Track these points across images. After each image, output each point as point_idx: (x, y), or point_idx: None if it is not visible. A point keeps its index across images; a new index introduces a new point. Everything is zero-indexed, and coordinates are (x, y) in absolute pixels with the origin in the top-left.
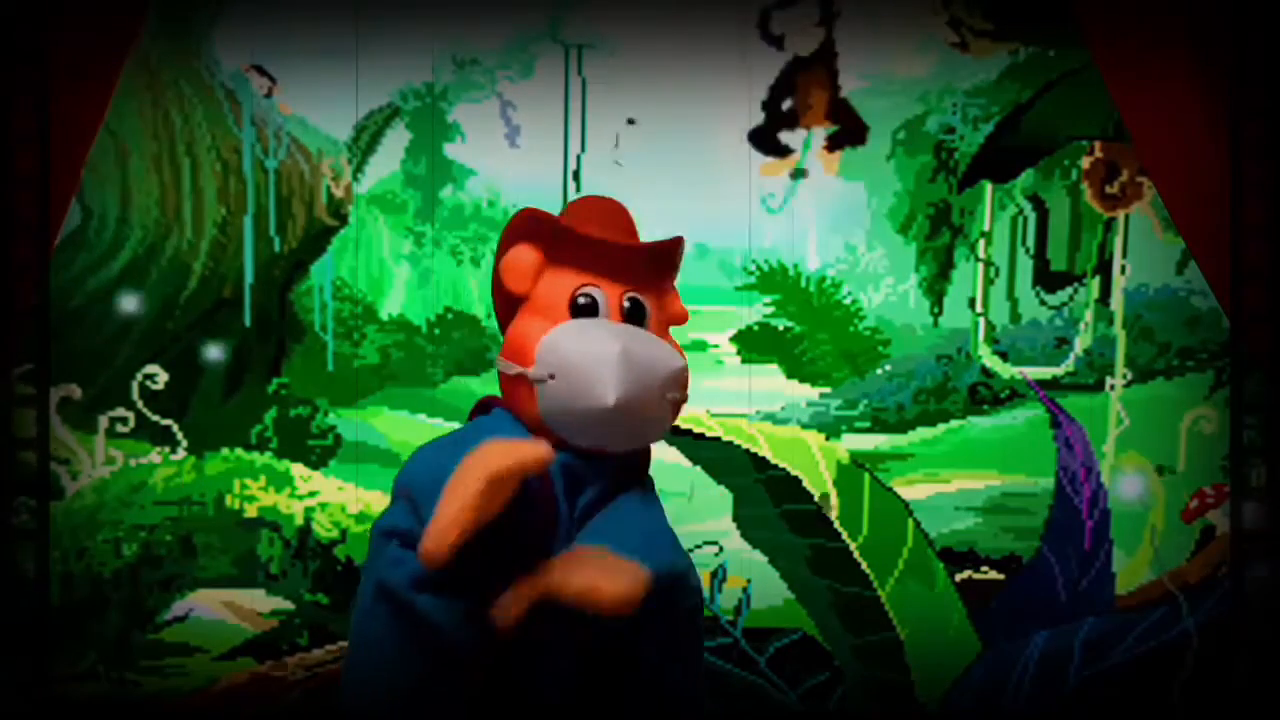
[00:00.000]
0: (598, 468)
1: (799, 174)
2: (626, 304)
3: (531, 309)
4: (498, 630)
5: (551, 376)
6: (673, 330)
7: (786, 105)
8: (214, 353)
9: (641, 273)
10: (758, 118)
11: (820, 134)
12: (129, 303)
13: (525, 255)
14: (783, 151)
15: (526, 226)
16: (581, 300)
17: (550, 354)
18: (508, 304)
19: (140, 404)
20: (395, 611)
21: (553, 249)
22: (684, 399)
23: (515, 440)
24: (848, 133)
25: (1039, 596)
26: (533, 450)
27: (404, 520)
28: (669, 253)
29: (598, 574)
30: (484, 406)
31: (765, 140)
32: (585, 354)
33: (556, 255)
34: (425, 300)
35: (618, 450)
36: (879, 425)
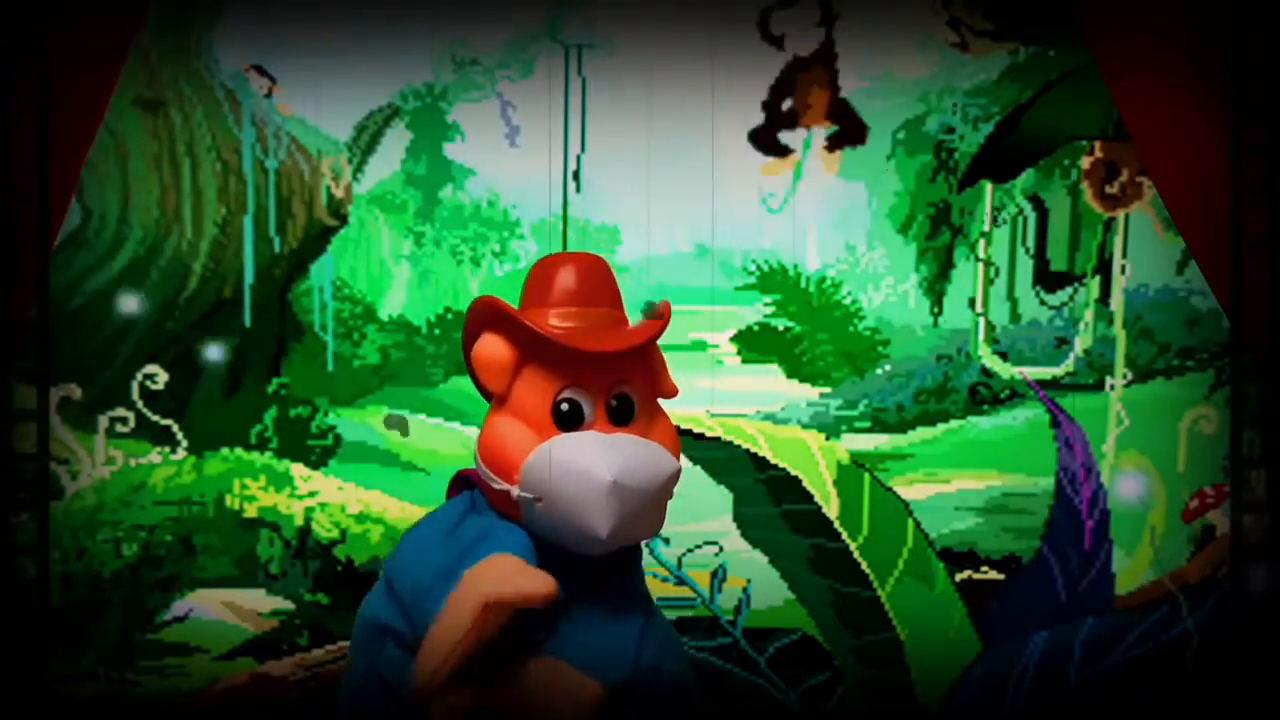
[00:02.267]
0: (584, 560)
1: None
2: (613, 403)
3: (511, 411)
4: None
5: (539, 500)
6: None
7: (787, 105)
8: (214, 353)
9: (625, 360)
10: (757, 118)
11: (820, 134)
12: (128, 303)
13: (498, 351)
14: (783, 151)
15: (494, 318)
16: (564, 407)
17: (536, 479)
18: (483, 390)
19: (140, 404)
20: (391, 698)
21: (523, 344)
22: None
23: (514, 564)
24: (848, 133)
25: (1039, 596)
26: (533, 586)
27: (398, 622)
28: (653, 339)
29: (547, 706)
30: (463, 482)
31: (765, 140)
32: (574, 483)
33: (531, 351)
34: (425, 300)
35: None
36: (879, 425)
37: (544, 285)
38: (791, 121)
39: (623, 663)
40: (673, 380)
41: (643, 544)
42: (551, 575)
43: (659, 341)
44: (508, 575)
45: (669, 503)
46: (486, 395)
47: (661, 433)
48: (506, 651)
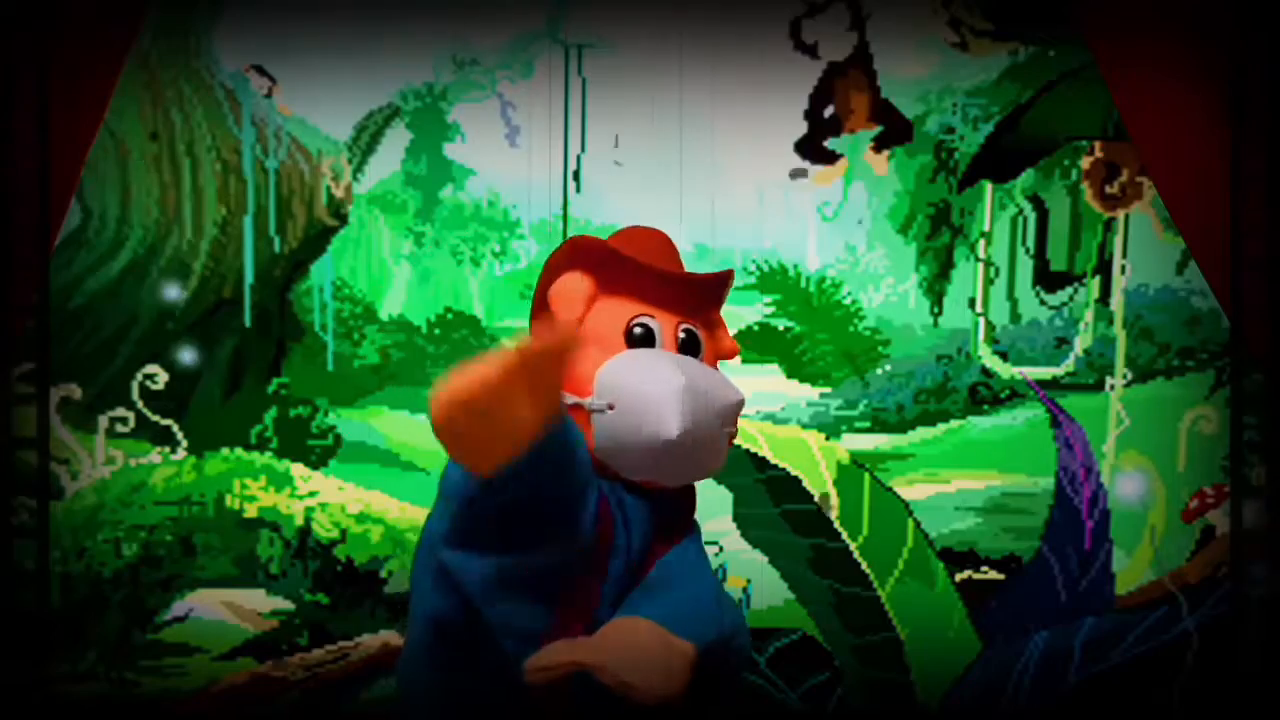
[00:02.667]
0: (649, 504)
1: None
2: (682, 335)
3: (584, 337)
4: (529, 681)
5: (611, 407)
6: None
7: (828, 112)
8: (188, 357)
9: (692, 305)
10: (758, 117)
11: (866, 136)
12: (170, 291)
13: (577, 282)
14: (831, 158)
15: (576, 253)
16: (638, 330)
17: (610, 383)
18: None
19: (140, 404)
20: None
21: (604, 277)
22: (735, 433)
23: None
24: (893, 132)
25: (1039, 596)
26: (560, 336)
27: (448, 517)
28: (720, 285)
29: (642, 665)
30: None
31: (812, 149)
32: (648, 385)
33: (608, 284)
34: (425, 300)
35: (672, 485)
36: (879, 425)
37: (620, 241)
38: (835, 128)
39: (708, 624)
40: (733, 341)
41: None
42: (622, 527)
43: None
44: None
45: (730, 446)
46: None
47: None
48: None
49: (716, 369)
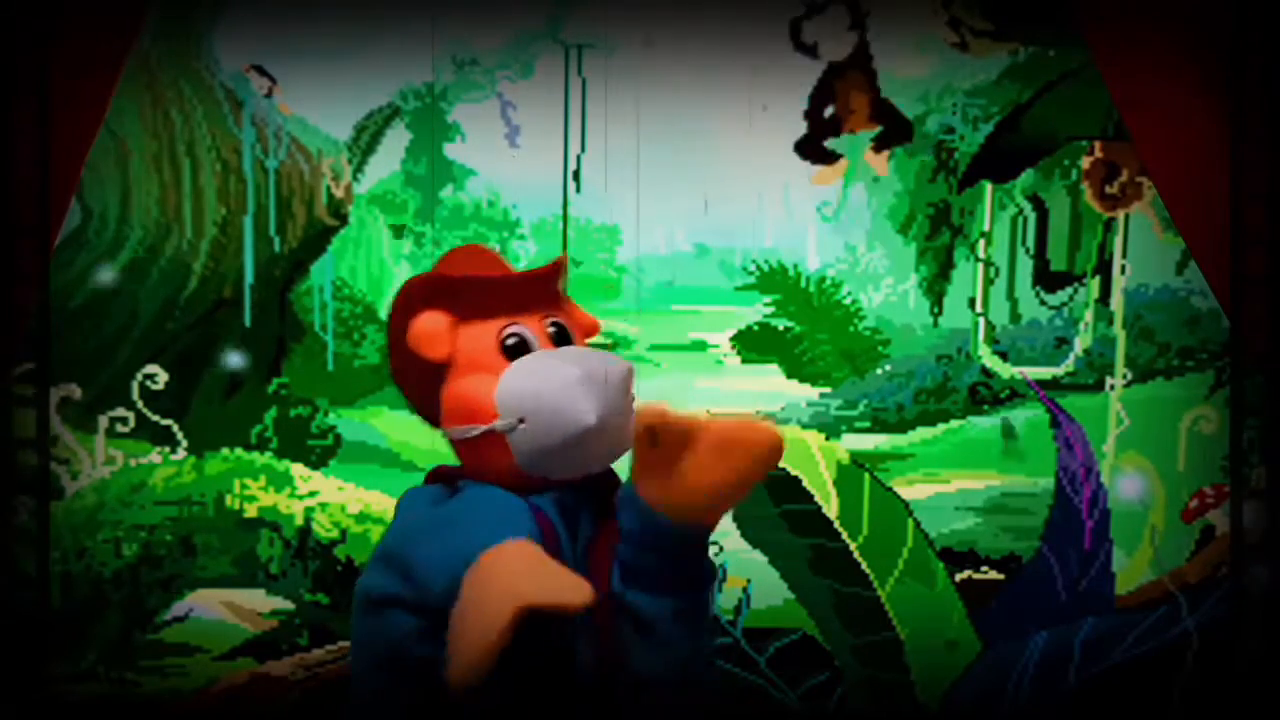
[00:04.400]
0: (585, 494)
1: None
2: (551, 329)
3: (461, 369)
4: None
5: (522, 421)
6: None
7: (828, 112)
8: (234, 359)
9: (544, 300)
10: (758, 117)
11: (865, 137)
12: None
13: (435, 321)
14: (831, 158)
15: (420, 293)
16: (510, 340)
17: (512, 399)
18: (423, 377)
19: (140, 404)
20: (404, 674)
21: (454, 306)
22: (634, 398)
23: (545, 563)
24: (893, 132)
25: (1039, 596)
26: (575, 592)
27: (398, 587)
28: (557, 272)
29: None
30: (440, 477)
31: (812, 149)
32: (549, 387)
33: (462, 311)
34: None
35: (600, 469)
36: (879, 425)
37: (448, 266)
38: (836, 128)
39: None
40: (590, 315)
41: None
42: (564, 531)
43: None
44: (542, 580)
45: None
46: (422, 391)
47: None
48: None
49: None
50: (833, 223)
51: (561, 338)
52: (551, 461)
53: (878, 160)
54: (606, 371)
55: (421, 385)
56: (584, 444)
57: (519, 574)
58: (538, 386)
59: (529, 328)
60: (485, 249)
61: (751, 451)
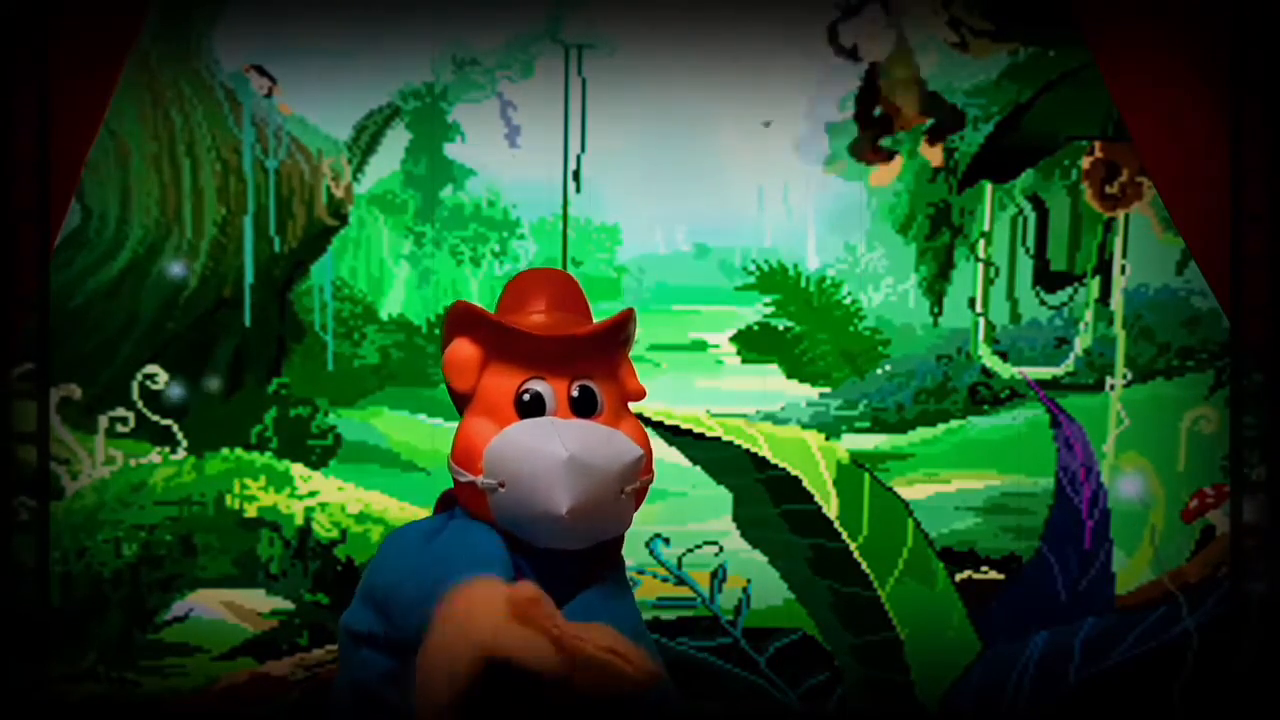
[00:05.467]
0: (571, 561)
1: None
2: (575, 394)
3: (478, 409)
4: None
5: (501, 485)
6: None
7: (877, 112)
8: (177, 392)
9: (589, 356)
10: (758, 117)
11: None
12: (176, 268)
13: (465, 351)
14: (887, 157)
15: (462, 319)
16: (526, 398)
17: (496, 462)
18: (456, 394)
19: (140, 404)
20: (375, 714)
21: (491, 342)
22: (649, 482)
23: (506, 599)
24: (945, 122)
25: (1039, 596)
26: (540, 660)
27: (374, 624)
28: (615, 332)
29: (620, 640)
30: (448, 501)
31: (866, 150)
32: (531, 461)
33: (497, 349)
34: (425, 300)
35: (579, 547)
36: (879, 425)
37: (513, 296)
38: (886, 126)
39: (649, 643)
40: (639, 383)
41: (624, 560)
42: (533, 571)
43: (630, 353)
44: (504, 628)
45: (640, 501)
46: (460, 405)
47: (628, 429)
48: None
49: (626, 415)
50: (891, 219)
51: (584, 404)
52: (525, 533)
53: (933, 152)
54: (601, 458)
55: (456, 402)
56: (555, 527)
57: (481, 625)
58: (521, 459)
59: (551, 388)
60: (563, 283)
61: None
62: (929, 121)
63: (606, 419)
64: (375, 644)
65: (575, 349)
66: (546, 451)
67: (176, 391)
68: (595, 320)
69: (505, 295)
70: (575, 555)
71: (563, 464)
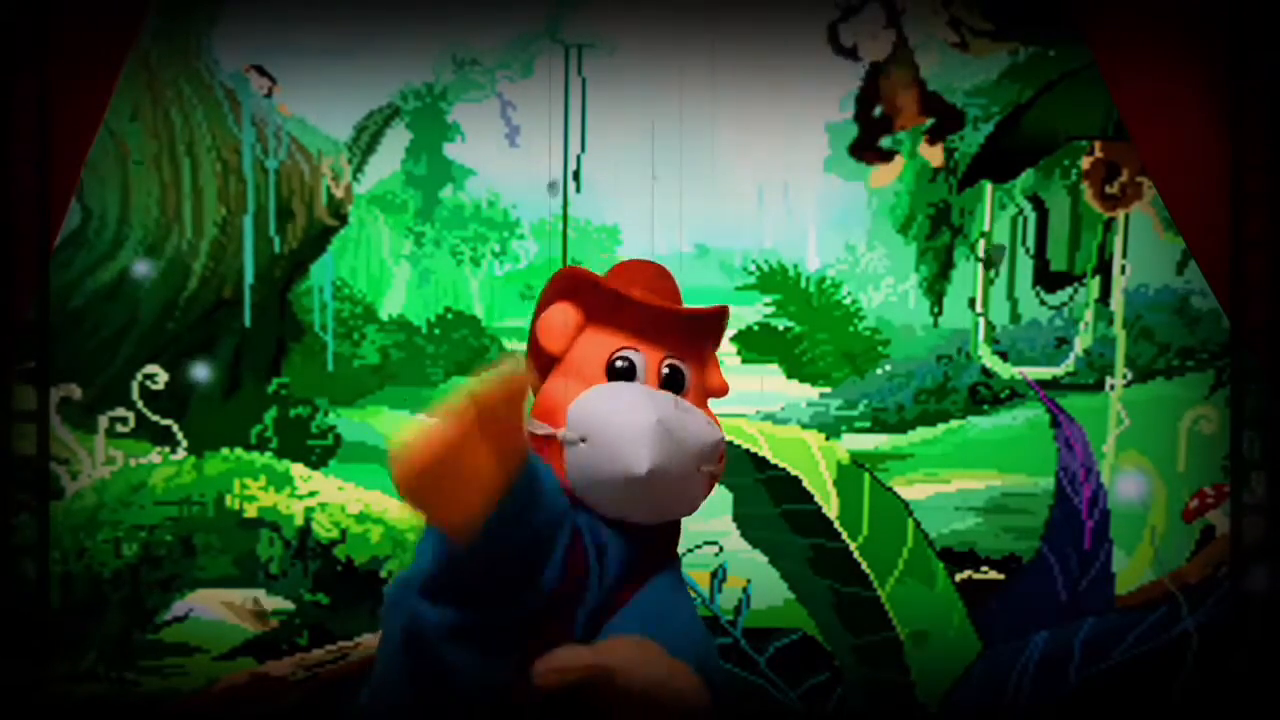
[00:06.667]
0: (626, 537)
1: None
2: (665, 370)
3: (566, 369)
4: (531, 688)
5: (583, 440)
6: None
7: (877, 112)
8: (201, 371)
9: (683, 339)
10: (758, 117)
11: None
12: (140, 267)
13: (564, 313)
14: (886, 157)
15: (566, 284)
16: (619, 364)
17: (582, 416)
18: (543, 362)
19: (140, 404)
20: (419, 655)
21: (592, 309)
22: (719, 473)
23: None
24: (945, 122)
25: (1039, 596)
26: (507, 369)
27: (421, 560)
28: (712, 321)
29: (666, 678)
30: None
31: (866, 150)
32: (619, 419)
33: (596, 316)
34: (425, 300)
35: (645, 521)
36: (879, 425)
37: (616, 275)
38: (886, 126)
39: (710, 656)
40: (724, 379)
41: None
42: (595, 563)
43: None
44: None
45: (710, 488)
46: (542, 374)
47: (707, 414)
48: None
49: (705, 407)
50: (891, 219)
51: (673, 381)
52: (597, 494)
53: (933, 152)
54: (685, 430)
55: (540, 367)
56: (630, 490)
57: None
58: (609, 414)
59: (645, 357)
60: (662, 273)
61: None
62: (929, 121)
63: (689, 399)
64: (438, 592)
65: (672, 327)
66: (637, 411)
67: (196, 373)
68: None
69: (607, 276)
70: (634, 536)
71: (651, 425)
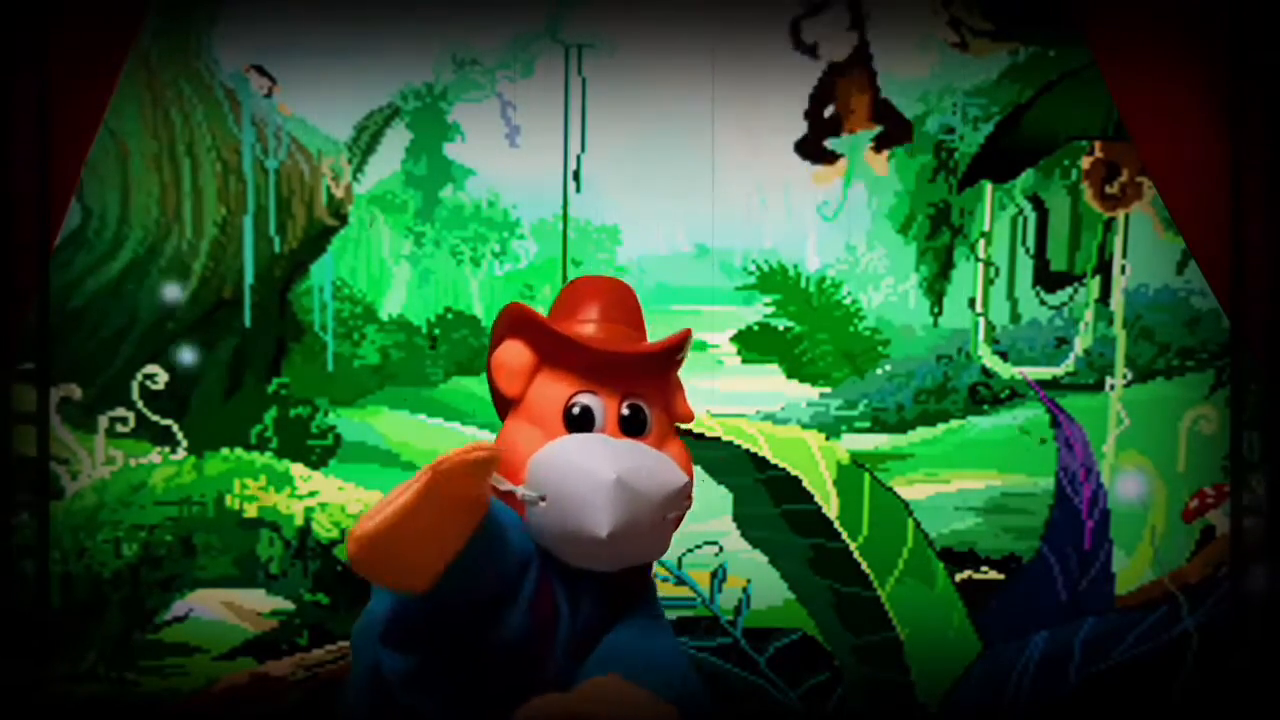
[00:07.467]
0: (597, 581)
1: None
2: (625, 411)
3: (524, 414)
4: None
5: (542, 499)
6: None
7: (829, 112)
8: (188, 356)
9: (642, 374)
10: (758, 117)
11: (865, 137)
12: (171, 292)
13: (517, 355)
14: (831, 158)
15: (515, 323)
16: (575, 411)
17: (541, 475)
18: (501, 400)
19: (140, 404)
20: (383, 695)
21: (544, 348)
22: (688, 509)
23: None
24: (893, 132)
25: (1039, 596)
26: (480, 446)
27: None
28: (670, 353)
29: (636, 711)
30: None
31: (812, 149)
32: (577, 480)
33: (549, 356)
34: (425, 300)
35: (611, 570)
36: (879, 425)
37: (569, 301)
38: (835, 127)
39: (680, 680)
40: (689, 406)
41: (654, 574)
42: (565, 604)
43: (680, 372)
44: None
45: (676, 527)
46: (503, 409)
47: (674, 452)
48: (518, 677)
49: (672, 436)
50: (832, 222)
51: (633, 423)
52: (560, 549)
53: (877, 160)
54: (647, 483)
55: (499, 403)
56: (592, 548)
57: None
58: (566, 476)
59: (602, 403)
60: (620, 293)
61: None
62: (878, 129)
63: (653, 440)
64: (397, 639)
65: (629, 365)
66: (594, 471)
67: (189, 357)
68: (647, 332)
69: (560, 300)
70: (605, 578)
71: (610, 485)
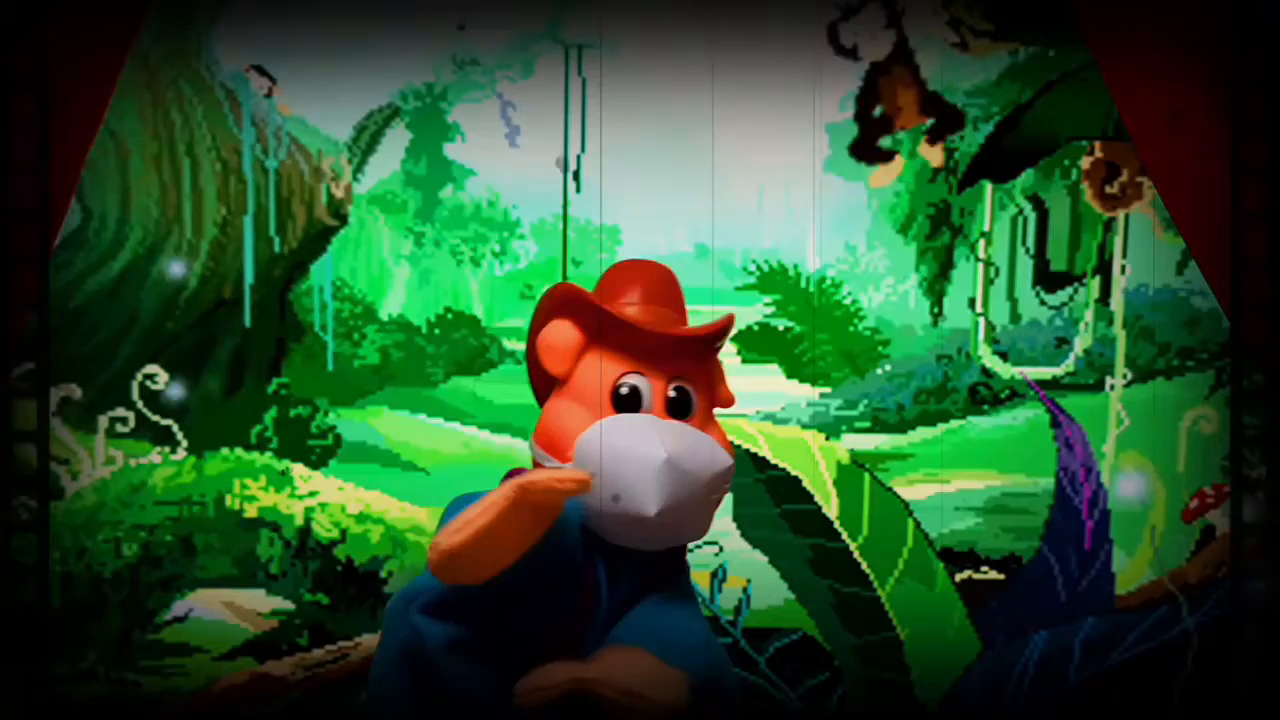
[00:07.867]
0: (636, 560)
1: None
2: (672, 394)
3: (570, 393)
4: (519, 704)
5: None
6: None
7: (877, 112)
8: (176, 391)
9: (688, 358)
10: (758, 117)
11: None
12: (176, 268)
13: (565, 334)
14: (887, 157)
15: (564, 301)
16: (624, 391)
17: (590, 454)
18: (544, 379)
19: (140, 404)
20: (417, 670)
21: (593, 328)
22: (727, 491)
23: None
24: (945, 122)
25: (1039, 596)
26: (573, 475)
27: (425, 580)
28: (716, 337)
29: (643, 679)
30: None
31: (866, 150)
32: (627, 460)
33: (597, 336)
34: (425, 300)
35: (656, 549)
36: (879, 425)
37: (613, 283)
38: (886, 126)
39: (699, 654)
40: (730, 390)
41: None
42: (605, 585)
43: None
44: (549, 472)
45: (718, 507)
46: (543, 387)
47: (716, 436)
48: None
49: (713, 420)
50: (891, 219)
51: (680, 405)
52: (605, 527)
53: (933, 152)
54: (694, 464)
55: (541, 383)
56: (639, 527)
57: (529, 473)
58: (617, 455)
59: (650, 384)
60: (664, 278)
61: None
62: (929, 121)
63: (696, 423)
64: (425, 602)
65: (676, 348)
66: (645, 451)
67: (176, 391)
68: (689, 316)
69: (603, 282)
70: (645, 556)
71: (659, 466)
